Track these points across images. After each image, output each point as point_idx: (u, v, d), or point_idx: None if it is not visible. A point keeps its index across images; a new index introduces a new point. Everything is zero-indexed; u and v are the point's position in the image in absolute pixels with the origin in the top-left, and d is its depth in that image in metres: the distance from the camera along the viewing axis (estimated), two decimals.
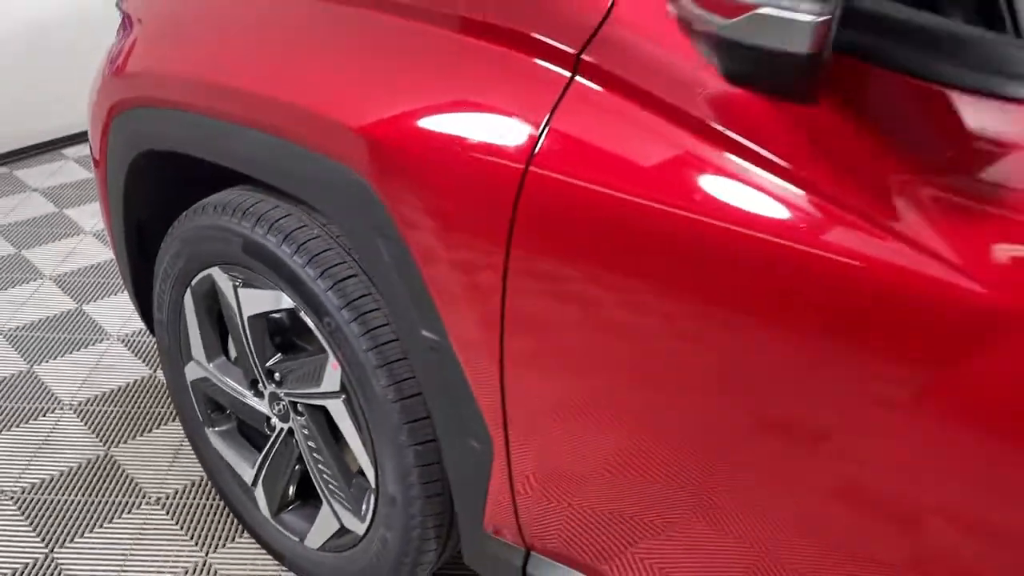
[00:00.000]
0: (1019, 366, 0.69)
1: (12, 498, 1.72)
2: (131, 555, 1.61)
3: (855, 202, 0.74)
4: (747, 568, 0.96)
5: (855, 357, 0.77)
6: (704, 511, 0.97)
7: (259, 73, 1.23)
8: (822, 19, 0.57)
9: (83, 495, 1.74)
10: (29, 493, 1.74)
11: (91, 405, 1.98)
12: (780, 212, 0.77)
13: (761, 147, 0.79)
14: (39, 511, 1.69)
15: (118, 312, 2.30)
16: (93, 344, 2.19)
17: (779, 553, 0.92)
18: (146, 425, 1.93)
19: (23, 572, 1.56)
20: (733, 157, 0.80)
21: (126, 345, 2.19)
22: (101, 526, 1.67)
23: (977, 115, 0.72)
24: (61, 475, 1.78)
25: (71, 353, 2.15)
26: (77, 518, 1.68)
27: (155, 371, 2.07)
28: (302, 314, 1.28)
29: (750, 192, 0.79)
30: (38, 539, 1.63)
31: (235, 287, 1.38)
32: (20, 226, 2.76)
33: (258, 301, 1.36)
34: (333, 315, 1.22)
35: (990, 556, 0.78)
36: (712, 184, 0.82)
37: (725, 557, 0.98)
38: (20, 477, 1.77)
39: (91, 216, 2.77)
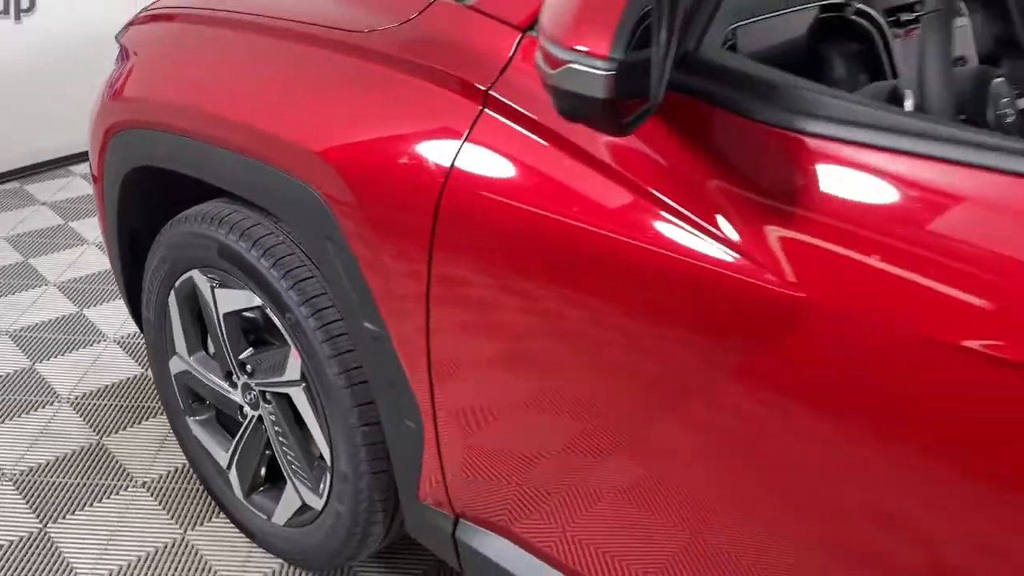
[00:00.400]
0: (813, 350, 0.87)
1: (12, 480, 1.90)
2: (117, 531, 1.78)
3: (696, 214, 0.92)
4: (647, 525, 1.12)
5: (688, 340, 0.94)
6: (601, 479, 1.14)
7: (236, 103, 1.42)
8: (610, 73, 0.75)
9: (76, 478, 1.91)
10: (27, 475, 1.91)
11: (87, 399, 2.16)
12: (633, 219, 0.95)
13: (623, 168, 0.97)
14: (36, 491, 1.87)
15: (115, 316, 2.49)
16: (91, 344, 2.37)
17: (671, 514, 1.08)
18: (136, 417, 2.10)
19: (19, 544, 1.74)
20: (602, 176, 0.98)
21: (121, 346, 2.37)
22: (91, 505, 1.84)
23: (788, 148, 0.89)
24: (57, 460, 1.96)
25: (70, 352, 2.34)
26: (70, 498, 1.86)
27: (146, 369, 2.25)
28: (268, 311, 1.46)
29: (613, 204, 0.97)
30: (34, 515, 1.81)
31: (212, 287, 1.56)
32: (28, 236, 2.95)
33: (232, 300, 1.54)
34: (294, 311, 1.40)
35: (794, 522, 0.95)
36: (586, 197, 1.00)
37: (625, 518, 1.14)
38: (20, 461, 1.95)
39: (94, 228, 2.96)
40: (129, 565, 1.70)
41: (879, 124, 0.85)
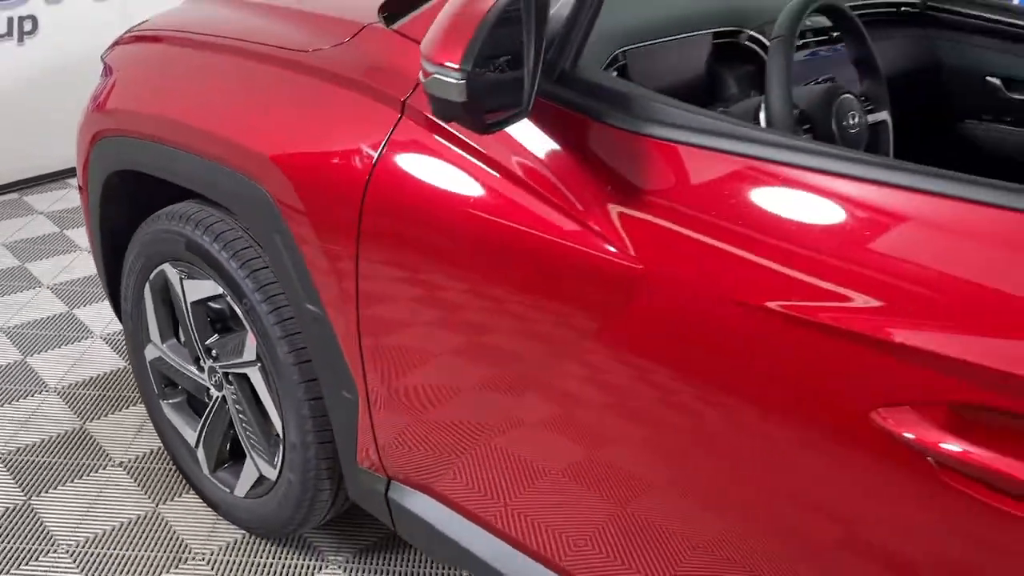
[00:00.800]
0: (650, 312, 1.04)
1: (1, 459, 2.07)
2: (94, 504, 1.95)
3: (562, 203, 1.10)
4: (544, 478, 1.28)
5: (560, 311, 1.12)
6: (505, 440, 1.31)
7: (199, 112, 1.61)
8: (461, 81, 0.94)
9: (59, 457, 2.08)
10: (14, 455, 2.08)
11: (73, 389, 2.34)
12: (512, 206, 1.13)
13: (508, 164, 1.15)
14: (22, 469, 2.04)
15: (103, 316, 2.67)
16: (79, 341, 2.56)
17: (562, 469, 1.25)
18: (118, 405, 2.28)
19: (5, 514, 1.91)
20: (491, 170, 1.17)
21: (107, 342, 2.55)
22: (72, 482, 2.02)
23: (636, 147, 1.08)
24: (42, 442, 2.13)
25: (60, 347, 2.52)
26: (52, 475, 2.03)
27: (128, 364, 2.42)
28: (228, 298, 1.64)
29: (498, 194, 1.15)
30: (19, 489, 1.98)
31: (181, 279, 1.74)
32: (25, 243, 3.14)
33: (198, 289, 1.72)
34: (249, 297, 1.58)
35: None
36: (478, 188, 1.18)
37: (526, 473, 1.31)
38: (8, 442, 2.12)
39: (86, 236, 3.15)
40: (104, 534, 1.87)
41: (706, 128, 1.04)
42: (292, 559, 1.83)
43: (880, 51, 1.66)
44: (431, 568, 1.82)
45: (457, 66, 0.93)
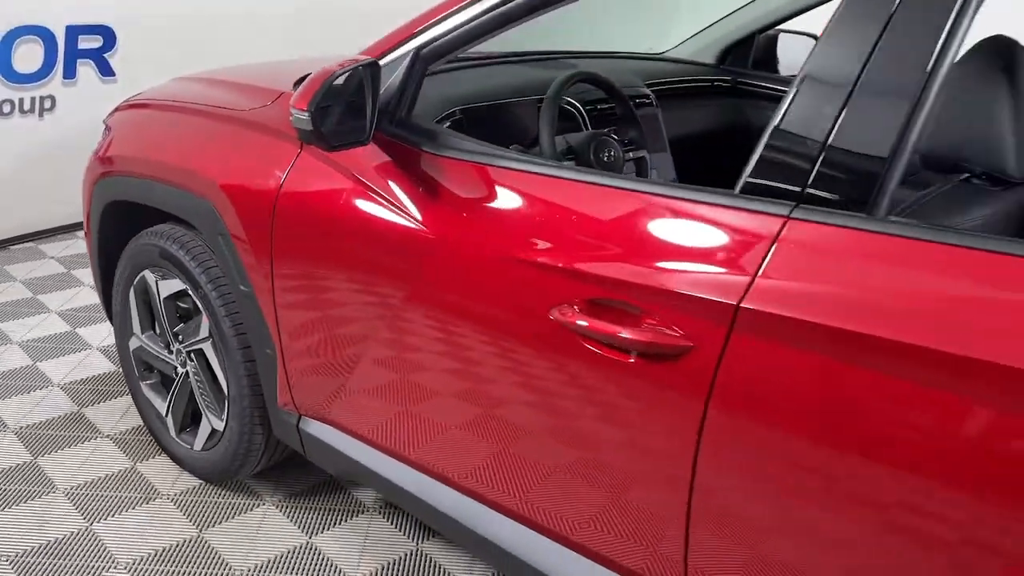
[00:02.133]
0: (443, 270, 1.63)
1: (14, 431, 2.63)
2: (85, 463, 2.51)
3: (395, 202, 1.70)
4: (413, 408, 1.83)
5: (396, 276, 1.71)
6: (382, 380, 1.87)
7: (171, 155, 2.23)
8: (308, 117, 1.55)
9: (60, 431, 2.65)
10: (28, 429, 2.65)
11: (74, 384, 2.91)
12: (367, 207, 1.73)
13: (365, 178, 1.76)
14: (33, 438, 2.60)
15: (101, 333, 3.26)
16: (81, 351, 3.14)
17: (422, 399, 1.80)
18: (110, 396, 2.85)
19: (11, 470, 2.46)
20: (356, 185, 1.77)
21: (103, 353, 3.14)
22: (71, 447, 2.57)
23: (440, 164, 1.68)
24: (47, 420, 2.70)
25: (63, 356, 3.10)
26: (54, 444, 2.58)
27: (119, 367, 3.00)
28: (189, 290, 2.23)
29: (360, 200, 1.76)
30: (27, 451, 2.54)
31: (156, 280, 2.33)
32: (38, 280, 3.75)
33: (168, 287, 2.31)
34: (203, 287, 2.17)
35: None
36: (347, 198, 1.78)
37: (400, 403, 1.87)
38: (23, 418, 2.69)
39: (89, 275, 3.76)
40: (156, 554, 2.40)
41: (478, 150, 1.65)
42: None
43: (702, 114, 2.28)
44: (351, 504, 2.36)
45: (304, 109, 1.55)
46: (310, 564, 2.16)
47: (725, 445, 1.30)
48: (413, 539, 2.27)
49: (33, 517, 2.27)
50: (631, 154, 2.07)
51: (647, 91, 2.44)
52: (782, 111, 1.27)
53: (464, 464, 1.75)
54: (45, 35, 4.05)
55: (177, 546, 2.21)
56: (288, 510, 2.37)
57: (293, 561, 2.17)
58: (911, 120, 1.16)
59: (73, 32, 4.13)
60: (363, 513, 2.37)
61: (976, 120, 1.38)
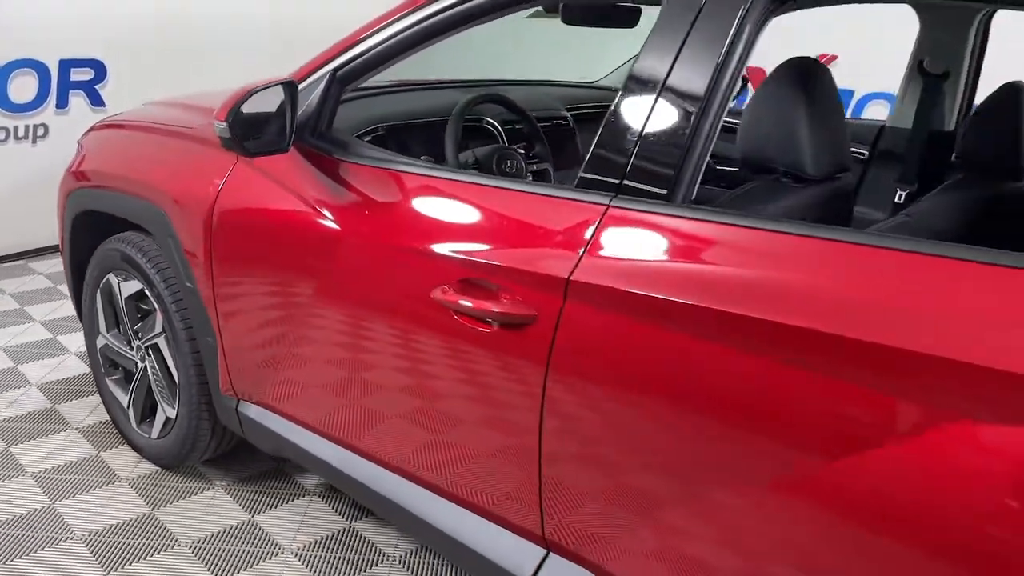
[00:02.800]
0: (344, 251, 1.87)
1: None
2: (53, 451, 2.74)
3: (309, 201, 1.95)
4: (337, 381, 2.07)
5: (314, 264, 1.95)
6: (308, 363, 2.11)
7: (131, 168, 2.49)
8: (226, 126, 1.80)
9: (34, 424, 2.88)
10: (4, 422, 2.88)
11: (50, 384, 3.15)
12: (287, 208, 1.99)
13: (289, 185, 2.01)
14: (9, 431, 2.84)
15: (78, 340, 3.50)
16: (59, 355, 3.39)
17: (342, 370, 2.04)
18: (82, 395, 3.09)
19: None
20: (280, 189, 2.03)
21: (79, 357, 3.39)
22: (42, 438, 2.81)
23: (347, 168, 1.93)
24: (22, 415, 2.94)
25: (42, 359, 3.34)
26: (27, 435, 2.82)
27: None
28: (145, 290, 2.48)
29: (283, 203, 2.01)
30: (1, 440, 2.77)
31: (119, 282, 2.59)
32: (27, 293, 4.02)
33: (128, 288, 2.56)
34: (157, 286, 2.42)
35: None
36: (275, 200, 2.04)
37: (326, 382, 2.10)
38: (1, 413, 2.94)
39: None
40: (58, 466, 2.65)
41: (378, 156, 1.90)
42: None
43: None
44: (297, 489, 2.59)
45: (223, 120, 1.81)
46: (250, 538, 2.38)
47: (564, 397, 1.53)
48: (348, 519, 2.49)
49: (1, 496, 2.51)
50: (535, 166, 2.33)
51: (565, 114, 2.71)
52: (607, 117, 1.52)
53: (369, 433, 1.98)
54: (39, 68, 4.36)
55: (130, 521, 2.43)
56: (235, 492, 2.59)
57: (234, 535, 2.39)
58: (699, 126, 1.41)
59: (66, 65, 4.44)
60: (304, 496, 2.59)
61: (782, 129, 1.62)
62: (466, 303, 1.63)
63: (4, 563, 2.24)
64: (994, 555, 1.08)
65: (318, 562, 2.29)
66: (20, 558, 2.26)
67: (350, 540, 2.39)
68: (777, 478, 1.29)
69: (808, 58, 1.68)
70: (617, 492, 1.51)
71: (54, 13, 4.32)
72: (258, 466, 2.71)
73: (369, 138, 2.25)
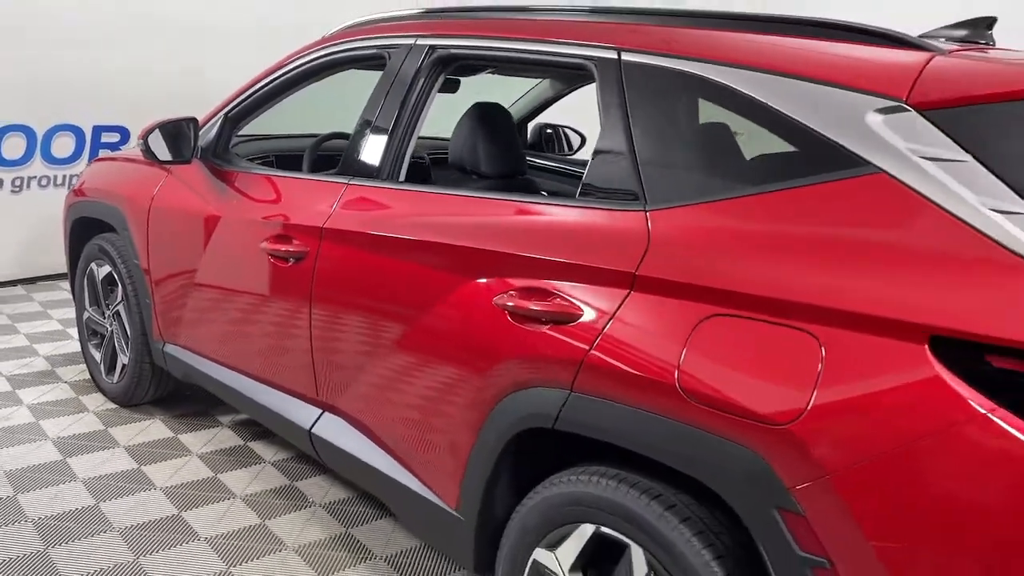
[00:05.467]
0: (220, 236, 2.86)
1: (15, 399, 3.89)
2: (32, 400, 3.74)
3: (208, 199, 2.96)
4: (225, 322, 3.04)
5: (213, 240, 2.96)
6: (215, 311, 3.09)
7: (109, 184, 3.55)
8: (143, 143, 2.82)
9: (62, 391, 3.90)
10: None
11: (17, 376, 4.18)
12: (198, 203, 3.01)
13: (196, 188, 3.03)
14: (44, 412, 3.85)
15: (46, 348, 4.54)
16: (29, 357, 4.42)
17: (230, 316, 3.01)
18: (42, 383, 4.10)
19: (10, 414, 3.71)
20: (190, 191, 3.05)
21: (47, 360, 4.41)
22: (40, 402, 3.82)
23: (233, 177, 2.94)
24: (50, 401, 3.96)
25: (12, 360, 4.38)
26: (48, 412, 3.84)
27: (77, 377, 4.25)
28: (112, 272, 3.51)
29: (194, 199, 3.03)
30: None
31: (96, 268, 3.63)
32: (23, 314, 5.00)
33: (102, 272, 3.59)
34: (118, 266, 3.44)
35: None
36: (189, 199, 3.06)
37: (218, 323, 3.08)
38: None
39: (64, 314, 5.08)
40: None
41: (257, 169, 2.92)
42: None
43: None
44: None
45: (142, 139, 2.84)
46: (261, 536, 3.32)
47: (321, 302, 2.46)
48: (345, 526, 2.88)
49: None
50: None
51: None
52: (352, 133, 2.52)
53: (231, 351, 2.93)
54: (77, 131, 5.56)
55: (87, 434, 3.40)
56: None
57: (248, 534, 2.83)
58: (392, 138, 2.39)
59: (98, 130, 5.64)
60: (308, 507, 3.43)
61: (470, 145, 2.57)
62: (276, 248, 2.59)
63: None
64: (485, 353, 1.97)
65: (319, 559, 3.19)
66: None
67: (346, 543, 2.88)
68: (434, 336, 2.19)
69: (489, 103, 2.65)
70: (355, 367, 2.41)
71: (92, 86, 5.50)
72: (194, 406, 3.66)
73: (260, 160, 3.27)
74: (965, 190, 1.41)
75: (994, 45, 1.99)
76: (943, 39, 1.97)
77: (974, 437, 1.30)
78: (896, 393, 1.37)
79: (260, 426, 3.41)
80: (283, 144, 3.46)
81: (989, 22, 1.99)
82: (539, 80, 3.77)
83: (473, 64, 2.62)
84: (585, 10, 2.16)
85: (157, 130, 2.89)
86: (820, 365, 1.44)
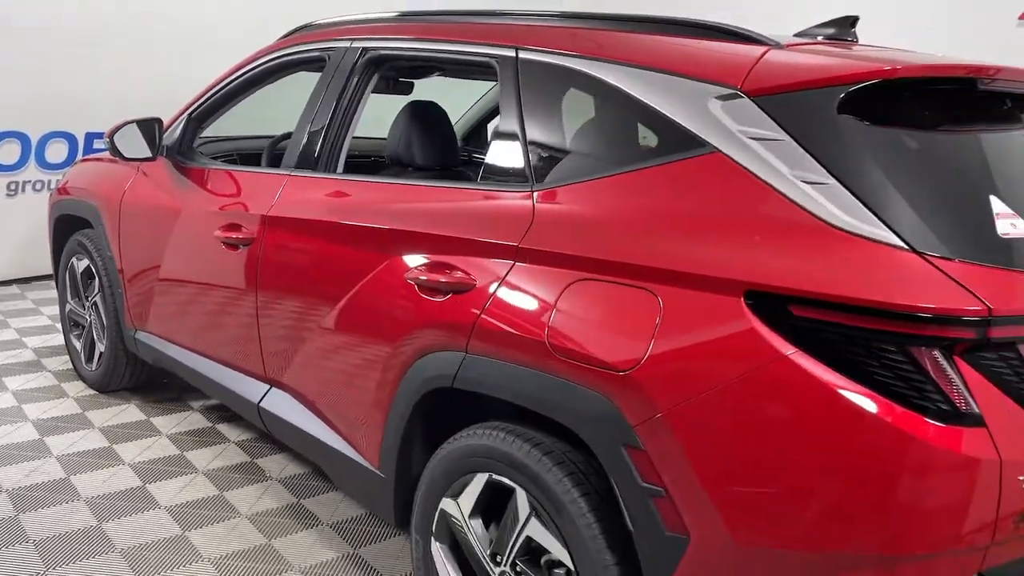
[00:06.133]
0: (182, 227, 3.09)
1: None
2: (17, 386, 3.97)
3: (169, 194, 3.19)
4: (194, 311, 3.27)
5: (181, 231, 3.19)
6: (178, 302, 3.32)
7: (89, 184, 3.79)
8: (110, 141, 3.06)
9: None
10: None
11: (5, 365, 4.42)
12: (163, 197, 3.24)
13: (157, 182, 3.27)
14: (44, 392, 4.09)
15: (35, 341, 4.78)
16: (18, 349, 4.66)
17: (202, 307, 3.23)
18: (29, 372, 4.34)
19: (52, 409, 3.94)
20: (156, 188, 3.28)
21: (34, 352, 4.65)
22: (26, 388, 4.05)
23: (194, 172, 3.17)
24: (34, 388, 4.19)
25: (2, 352, 4.62)
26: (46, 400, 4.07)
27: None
28: (90, 265, 3.74)
29: (159, 194, 3.26)
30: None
31: (77, 261, 3.86)
32: (15, 311, 5.24)
33: (82, 265, 3.83)
34: (95, 259, 3.67)
35: None
36: (155, 193, 3.29)
37: (187, 315, 3.30)
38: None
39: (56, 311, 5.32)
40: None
41: (216, 165, 3.15)
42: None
43: None
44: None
45: (108, 137, 3.08)
46: (268, 558, 3.55)
47: (266, 283, 2.68)
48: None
49: None
50: None
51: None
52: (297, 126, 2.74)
53: (192, 335, 3.15)
54: (70, 138, 5.82)
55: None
56: (149, 412, 3.75)
57: (254, 555, 2.75)
58: (327, 133, 2.61)
59: (91, 136, 5.89)
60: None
61: (405, 139, 2.79)
62: (227, 236, 2.81)
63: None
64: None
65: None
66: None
67: (296, 512, 3.13)
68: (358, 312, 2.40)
69: (422, 101, 2.87)
70: (294, 344, 2.63)
71: (85, 96, 5.75)
72: (169, 393, 3.89)
73: (225, 159, 3.50)
74: (781, 164, 1.61)
75: (856, 40, 2.19)
76: (819, 36, 2.18)
77: (778, 375, 1.50)
78: (717, 341, 1.57)
79: (228, 410, 3.64)
80: (247, 144, 3.68)
81: (852, 20, 2.19)
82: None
83: (399, 64, 2.83)
84: (494, 13, 2.38)
85: (123, 129, 3.12)
86: (658, 319, 1.64)
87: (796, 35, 2.20)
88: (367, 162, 3.66)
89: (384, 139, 3.87)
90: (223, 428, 3.60)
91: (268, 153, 3.31)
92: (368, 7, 3.10)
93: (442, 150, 2.84)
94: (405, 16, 2.66)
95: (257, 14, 6.17)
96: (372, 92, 2.73)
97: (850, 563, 1.48)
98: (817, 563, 1.51)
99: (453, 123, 4.47)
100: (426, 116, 2.83)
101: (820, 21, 2.25)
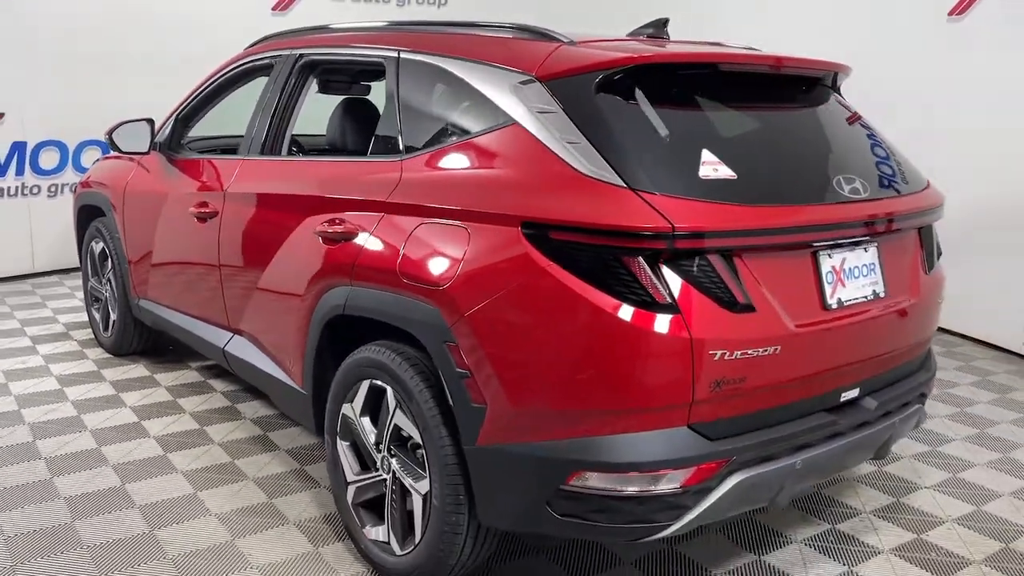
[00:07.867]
0: (170, 208, 3.74)
1: (10, 394, 4.84)
2: (51, 355, 4.67)
3: (165, 181, 3.85)
4: (183, 282, 3.91)
5: (175, 210, 3.84)
6: (171, 270, 3.97)
7: (102, 176, 4.48)
8: (108, 137, 3.71)
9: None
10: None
11: (2, 350, 5.13)
12: (157, 183, 3.90)
13: (148, 167, 3.92)
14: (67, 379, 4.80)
15: (35, 331, 5.49)
16: (17, 336, 5.38)
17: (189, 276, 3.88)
18: (21, 354, 5.03)
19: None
20: (154, 176, 3.94)
21: (32, 340, 5.36)
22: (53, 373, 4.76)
23: (181, 162, 3.83)
24: (60, 352, 4.90)
25: (4, 339, 5.34)
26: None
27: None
28: (106, 248, 4.42)
29: (154, 182, 3.92)
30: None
31: (95, 244, 4.55)
32: (22, 306, 6.04)
33: (99, 247, 4.51)
34: (108, 242, 4.35)
35: None
36: (152, 182, 3.95)
37: (181, 285, 3.95)
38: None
39: (62, 310, 6.03)
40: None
41: (200, 157, 3.80)
42: None
43: None
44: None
45: (107, 134, 3.74)
46: (163, 406, 4.21)
47: (225, 247, 3.30)
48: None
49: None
50: None
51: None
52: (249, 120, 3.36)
53: (181, 298, 3.79)
54: (103, 146, 6.56)
55: (83, 373, 4.30)
56: (153, 371, 4.41)
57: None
58: (271, 124, 3.23)
59: (81, 145, 6.58)
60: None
61: (341, 129, 3.39)
62: (198, 211, 3.45)
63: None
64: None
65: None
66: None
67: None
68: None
69: (354, 98, 3.46)
70: (246, 295, 3.24)
71: (114, 109, 6.49)
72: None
73: (208, 152, 4.15)
74: (555, 131, 2.17)
75: (667, 38, 2.73)
76: (642, 35, 2.74)
77: (540, 283, 2.05)
78: (503, 261, 2.13)
79: (220, 368, 4.27)
80: (229, 141, 4.33)
81: (664, 21, 2.73)
82: None
83: (324, 67, 3.39)
84: (389, 24, 2.98)
85: (121, 128, 3.78)
86: (467, 246, 2.20)
87: (628, 34, 2.76)
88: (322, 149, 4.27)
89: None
90: (213, 382, 4.23)
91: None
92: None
93: (368, 138, 3.43)
94: (326, 28, 3.27)
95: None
96: (321, 93, 3.35)
97: (588, 416, 2.03)
98: (567, 416, 2.05)
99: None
100: (354, 110, 3.43)
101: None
